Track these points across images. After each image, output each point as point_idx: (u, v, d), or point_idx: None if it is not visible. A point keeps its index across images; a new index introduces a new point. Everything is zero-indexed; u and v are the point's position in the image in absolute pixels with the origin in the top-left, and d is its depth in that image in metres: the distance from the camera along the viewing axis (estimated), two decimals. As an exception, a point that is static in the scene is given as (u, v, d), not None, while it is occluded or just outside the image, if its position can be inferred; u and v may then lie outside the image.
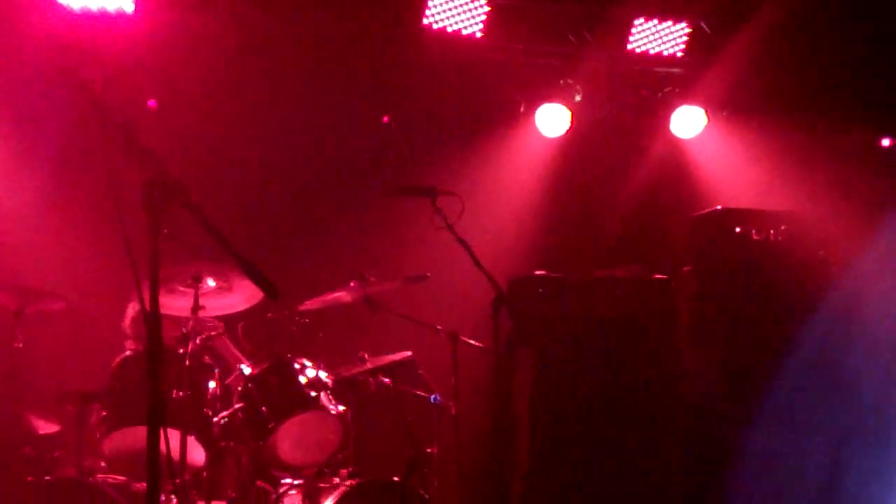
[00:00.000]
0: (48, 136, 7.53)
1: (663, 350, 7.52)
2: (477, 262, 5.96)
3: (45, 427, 6.31)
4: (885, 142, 7.15)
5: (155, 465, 3.66)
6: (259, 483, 6.32)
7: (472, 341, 6.68)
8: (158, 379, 3.69)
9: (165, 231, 3.74)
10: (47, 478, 5.99)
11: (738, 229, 7.55)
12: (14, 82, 7.38)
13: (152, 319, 3.66)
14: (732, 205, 7.78)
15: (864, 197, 6.67)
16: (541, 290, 7.47)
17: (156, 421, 3.67)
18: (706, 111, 8.57)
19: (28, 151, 7.52)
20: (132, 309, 6.65)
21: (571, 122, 8.44)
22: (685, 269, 7.73)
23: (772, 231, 7.58)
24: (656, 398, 7.47)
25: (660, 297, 7.59)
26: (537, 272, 7.58)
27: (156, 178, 3.73)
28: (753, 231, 7.53)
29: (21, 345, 6.30)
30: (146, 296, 3.70)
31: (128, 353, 6.30)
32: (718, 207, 7.78)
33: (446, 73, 8.05)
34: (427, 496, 6.23)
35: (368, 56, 7.87)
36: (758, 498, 7.11)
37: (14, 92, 7.40)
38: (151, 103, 7.70)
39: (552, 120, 8.44)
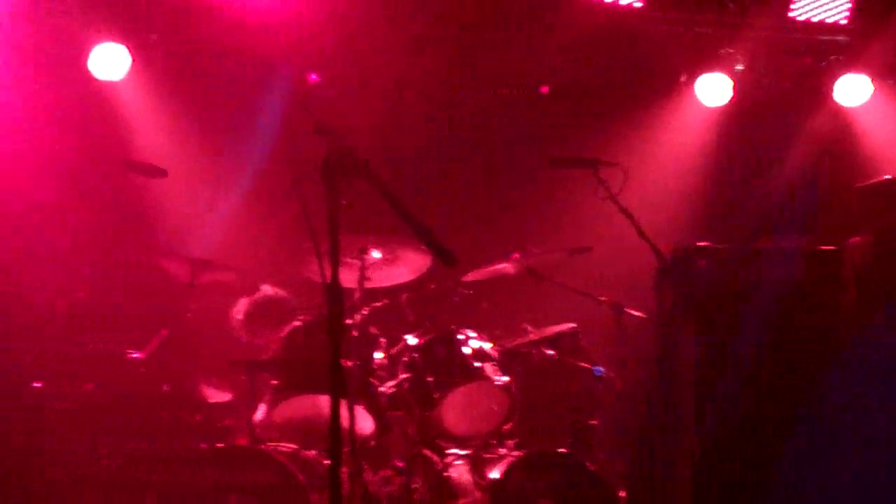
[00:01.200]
0: (221, 111, 7.71)
1: (831, 322, 7.33)
2: (641, 233, 5.93)
3: (217, 396, 6.46)
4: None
5: (337, 434, 3.72)
6: (425, 452, 6.37)
7: (635, 312, 6.63)
8: (339, 349, 3.75)
9: (345, 202, 3.79)
10: (219, 445, 6.14)
11: (908, 200, 7.32)
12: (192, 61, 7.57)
13: (333, 289, 3.72)
14: (896, 175, 7.56)
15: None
16: (704, 261, 7.35)
17: (337, 391, 3.74)
18: (872, 79, 8.33)
19: (202, 127, 7.71)
20: (244, 304, 6.71)
21: (733, 92, 8.29)
22: (852, 239, 7.52)
23: (947, 200, 7.34)
24: (824, 371, 7.29)
25: (828, 267, 7.40)
26: (700, 243, 7.46)
27: (336, 150, 3.79)
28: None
29: (193, 315, 6.45)
30: (326, 265, 3.76)
31: (297, 323, 6.40)
32: (887, 177, 7.56)
33: (607, 43, 7.96)
34: (593, 468, 6.20)
35: (528, 27, 7.83)
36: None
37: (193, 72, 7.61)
38: (313, 77, 7.79)
39: (713, 89, 8.30)
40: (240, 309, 6.72)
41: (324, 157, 3.87)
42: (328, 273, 3.78)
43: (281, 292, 6.53)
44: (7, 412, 6.38)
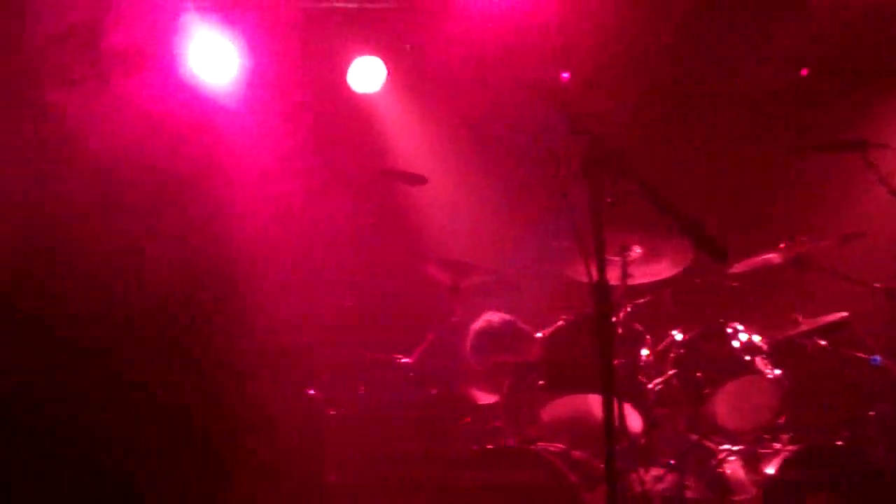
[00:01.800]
0: (473, 111, 7.81)
1: None
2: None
3: (485, 398, 6.52)
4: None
5: (611, 434, 3.70)
6: (697, 449, 6.27)
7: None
8: (610, 348, 3.73)
9: (609, 200, 3.76)
10: (490, 446, 6.19)
11: None
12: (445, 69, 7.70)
13: (601, 288, 3.70)
14: None
15: None
16: None
17: (609, 390, 3.71)
18: None
19: (455, 131, 7.83)
20: (480, 323, 6.63)
21: None
22: None
23: None
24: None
25: None
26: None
27: (596, 148, 3.77)
28: None
29: (457, 319, 6.53)
30: (592, 264, 3.74)
31: (561, 322, 6.40)
32: None
33: (869, 19, 7.66)
34: (872, 461, 5.98)
35: (785, 7, 7.62)
36: None
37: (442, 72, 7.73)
38: (565, 75, 7.78)
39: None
40: (472, 329, 6.72)
41: (585, 156, 3.86)
42: (594, 272, 3.76)
43: (506, 317, 6.49)
44: (284, 419, 6.60)
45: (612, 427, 3.69)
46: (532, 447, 6.08)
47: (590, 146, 3.87)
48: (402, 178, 7.00)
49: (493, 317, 6.53)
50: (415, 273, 6.87)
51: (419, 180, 6.74)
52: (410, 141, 7.86)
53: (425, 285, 6.83)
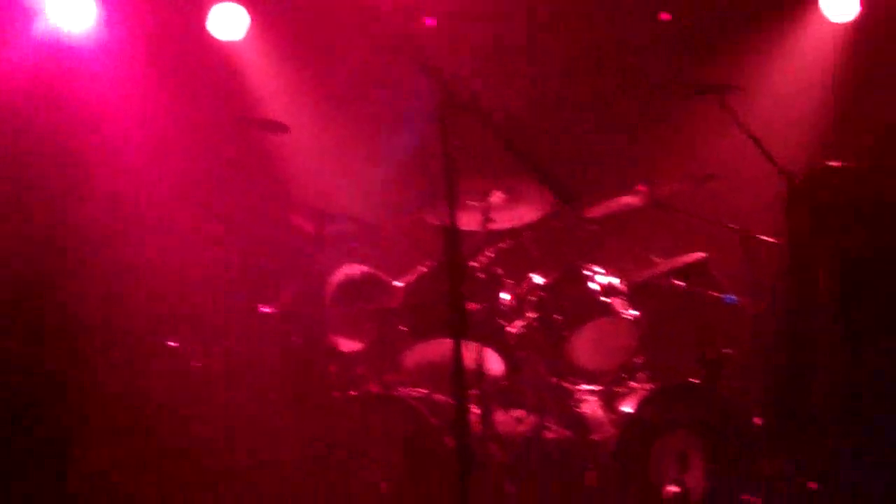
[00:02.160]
0: (338, 63, 7.76)
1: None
2: (768, 156, 5.82)
3: (348, 345, 6.52)
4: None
5: (461, 374, 3.73)
6: (557, 390, 6.36)
7: (766, 238, 6.50)
8: (460, 291, 3.74)
9: (459, 143, 3.77)
10: (353, 393, 6.20)
11: None
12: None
13: (451, 231, 3.71)
14: None
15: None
16: (837, 181, 7.17)
17: (459, 331, 3.74)
18: None
19: (320, 80, 7.77)
20: (339, 276, 6.61)
21: (861, 5, 8.01)
22: None
23: None
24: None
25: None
26: (832, 162, 7.27)
27: (445, 90, 3.76)
28: None
29: (321, 267, 6.50)
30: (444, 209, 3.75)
31: (422, 268, 6.42)
32: None
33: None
34: (727, 397, 6.13)
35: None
36: None
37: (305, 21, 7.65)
38: (429, 21, 7.75)
39: (840, 4, 8.03)
40: (333, 281, 6.70)
41: (437, 101, 3.85)
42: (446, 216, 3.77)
43: (364, 268, 6.49)
44: (145, 372, 6.54)
45: (461, 370, 3.71)
46: (394, 392, 6.10)
47: (442, 91, 3.86)
48: (263, 126, 6.93)
49: (351, 269, 6.53)
50: (277, 221, 6.81)
51: (281, 128, 6.68)
52: (273, 89, 7.78)
53: (288, 233, 6.78)
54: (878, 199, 7.09)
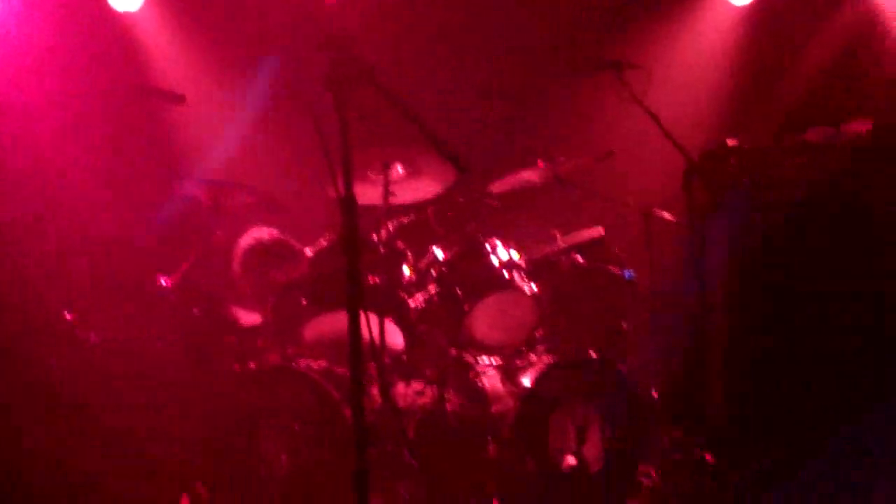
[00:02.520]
0: (234, 32, 7.69)
1: (867, 216, 7.25)
2: (667, 134, 5.89)
3: (247, 318, 6.49)
4: None
5: (357, 349, 3.73)
6: (457, 363, 6.40)
7: (665, 214, 6.59)
8: (356, 263, 3.74)
9: (354, 114, 3.76)
10: (252, 366, 6.18)
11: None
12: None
13: (347, 203, 3.70)
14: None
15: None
16: (734, 160, 7.28)
17: (355, 303, 3.74)
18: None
19: (215, 50, 7.70)
20: (247, 239, 6.59)
21: (759, -13, 8.15)
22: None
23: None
24: (861, 269, 7.23)
25: (857, 164, 7.32)
26: (729, 142, 7.38)
27: (342, 60, 3.75)
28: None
29: (219, 238, 6.44)
30: (340, 180, 3.74)
31: (323, 241, 6.40)
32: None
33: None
34: (625, 371, 6.22)
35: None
36: None
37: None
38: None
39: (740, -14, 8.17)
40: (240, 246, 6.67)
41: (333, 72, 3.84)
42: (342, 188, 3.76)
43: (274, 232, 6.46)
44: (40, 344, 6.44)
45: (357, 341, 3.72)
46: (294, 365, 6.08)
47: (339, 61, 3.84)
48: (161, 96, 6.83)
49: (261, 233, 6.50)
50: (175, 192, 6.74)
51: (178, 98, 6.59)
52: (170, 59, 7.69)
53: (186, 205, 6.72)
54: (774, 178, 7.24)
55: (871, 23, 8.29)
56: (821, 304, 7.09)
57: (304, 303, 6.26)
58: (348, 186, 3.73)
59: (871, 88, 7.90)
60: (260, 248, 6.42)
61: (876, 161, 7.22)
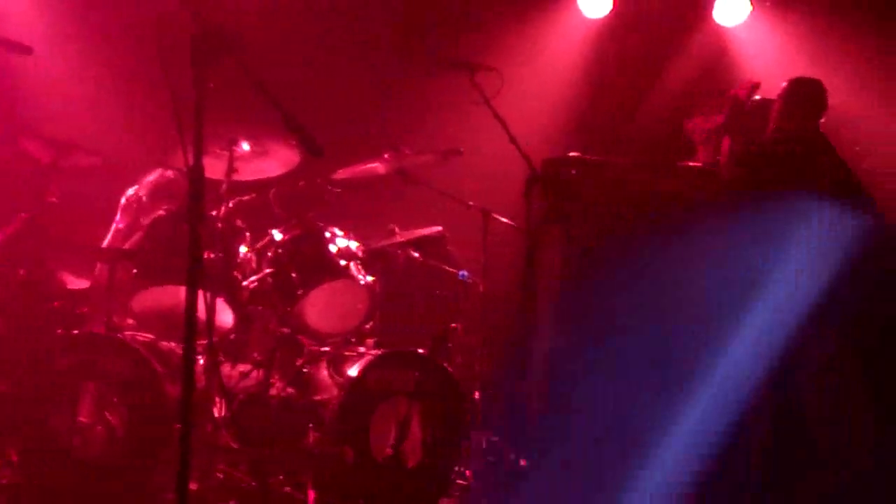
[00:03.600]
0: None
1: (696, 235, 7.46)
2: (513, 140, 5.95)
3: (75, 283, 6.34)
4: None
5: (192, 323, 3.67)
6: (285, 348, 6.36)
7: (503, 219, 6.67)
8: (199, 237, 3.68)
9: (212, 85, 3.70)
10: (75, 332, 6.02)
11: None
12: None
13: (196, 173, 3.64)
14: (773, 95, 7.67)
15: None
16: (575, 172, 7.41)
17: (195, 279, 3.68)
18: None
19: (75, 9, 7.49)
20: (154, 176, 6.56)
21: (614, 4, 8.30)
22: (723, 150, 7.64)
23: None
24: (688, 283, 7.42)
25: (695, 182, 7.53)
26: (572, 153, 7.51)
27: (207, 30, 3.69)
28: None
29: (55, 200, 6.27)
30: (189, 150, 3.68)
31: (160, 212, 6.28)
32: (758, 97, 7.67)
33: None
34: (450, 370, 6.26)
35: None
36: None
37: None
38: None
39: (594, 0, 8.30)
40: (145, 182, 6.56)
41: (192, 35, 3.76)
42: (189, 158, 3.70)
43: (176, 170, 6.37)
44: None
45: (193, 318, 3.65)
46: (119, 335, 5.96)
47: (198, 24, 3.77)
48: (6, 45, 6.60)
49: (165, 171, 6.48)
50: (9, 148, 6.53)
51: (25, 50, 6.37)
52: (20, 9, 7.45)
53: (21, 162, 6.51)
54: (613, 191, 7.39)
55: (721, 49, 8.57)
56: (647, 316, 7.28)
57: (135, 272, 6.12)
58: (198, 159, 3.66)
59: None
60: (167, 184, 6.37)
61: (709, 182, 7.44)
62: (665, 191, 7.39)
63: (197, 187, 3.63)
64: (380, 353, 6.15)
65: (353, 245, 6.44)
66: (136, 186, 6.61)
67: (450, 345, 6.59)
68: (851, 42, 7.99)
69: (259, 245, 6.39)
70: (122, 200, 6.61)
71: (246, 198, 6.51)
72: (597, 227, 7.33)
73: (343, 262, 6.33)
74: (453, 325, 6.65)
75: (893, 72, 7.57)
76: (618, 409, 7.15)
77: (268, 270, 6.26)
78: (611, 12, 8.35)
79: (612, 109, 8.50)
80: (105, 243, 6.54)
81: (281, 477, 5.98)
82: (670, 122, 8.41)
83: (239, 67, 3.72)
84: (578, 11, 8.34)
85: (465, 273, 6.67)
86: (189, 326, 3.64)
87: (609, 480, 6.82)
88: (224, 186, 6.21)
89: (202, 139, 3.64)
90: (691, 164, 7.48)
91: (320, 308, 6.31)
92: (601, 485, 6.76)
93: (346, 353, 6.28)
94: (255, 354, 6.31)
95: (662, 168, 7.53)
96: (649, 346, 7.21)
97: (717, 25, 8.52)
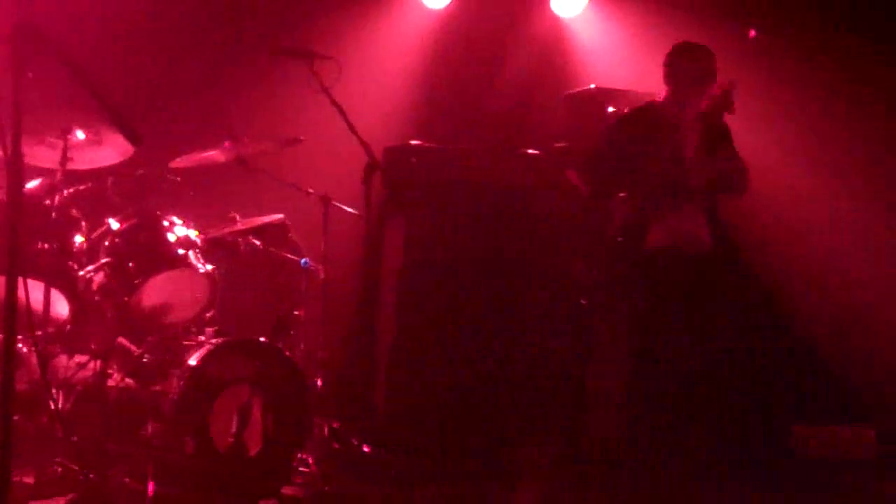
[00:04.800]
0: None
1: (534, 222, 7.61)
2: (351, 128, 5.99)
3: None
4: (752, 33, 7.21)
5: (12, 314, 3.63)
6: (123, 339, 6.30)
7: (344, 207, 6.70)
8: (18, 227, 3.65)
9: (30, 75, 3.66)
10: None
11: (610, 108, 7.62)
12: None
13: (13, 165, 3.60)
14: (607, 85, 7.85)
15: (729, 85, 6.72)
16: (414, 160, 7.48)
17: (15, 268, 3.64)
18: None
19: None
20: None
21: (454, -6, 8.39)
22: (557, 144, 7.81)
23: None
24: (526, 271, 7.58)
25: (532, 171, 7.68)
26: (412, 142, 7.58)
27: (25, 22, 3.65)
28: (625, 110, 7.61)
29: None
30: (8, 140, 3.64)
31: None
32: (592, 86, 7.85)
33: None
34: (292, 357, 6.28)
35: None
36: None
37: None
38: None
39: (435, -11, 8.39)
40: None
41: (11, 28, 3.72)
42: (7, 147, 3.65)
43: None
44: None
45: (13, 309, 3.61)
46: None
47: (20, 21, 3.73)
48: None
49: None
50: None
51: None
52: None
53: None
54: (452, 180, 7.50)
55: (558, 40, 8.71)
56: (486, 304, 7.42)
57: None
58: (16, 146, 3.61)
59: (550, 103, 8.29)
60: None
61: (550, 172, 7.60)
62: (502, 177, 7.53)
63: (15, 177, 3.59)
64: (220, 341, 6.12)
65: (193, 234, 6.40)
66: None
67: (292, 332, 6.61)
68: (689, 33, 8.16)
69: (96, 235, 6.31)
70: None
71: (82, 187, 6.42)
72: (436, 213, 7.43)
73: (182, 251, 6.30)
74: (295, 312, 6.67)
75: (730, 63, 7.76)
76: (460, 390, 7.30)
77: (105, 260, 6.19)
78: (451, 2, 8.42)
79: (454, 98, 8.58)
80: None
81: (120, 469, 5.91)
82: (511, 111, 8.59)
83: (60, 59, 3.67)
84: (419, 1, 8.40)
85: (307, 260, 6.68)
86: (9, 317, 3.60)
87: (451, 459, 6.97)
88: (59, 175, 6.13)
89: (19, 128, 3.59)
90: (529, 151, 7.65)
91: (159, 297, 6.26)
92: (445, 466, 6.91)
93: (186, 343, 6.24)
94: (93, 345, 6.22)
95: (500, 155, 7.66)
96: (488, 328, 7.38)
97: (556, 16, 8.66)
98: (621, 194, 6.46)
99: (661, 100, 6.58)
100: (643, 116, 6.58)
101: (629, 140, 6.47)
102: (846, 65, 8.03)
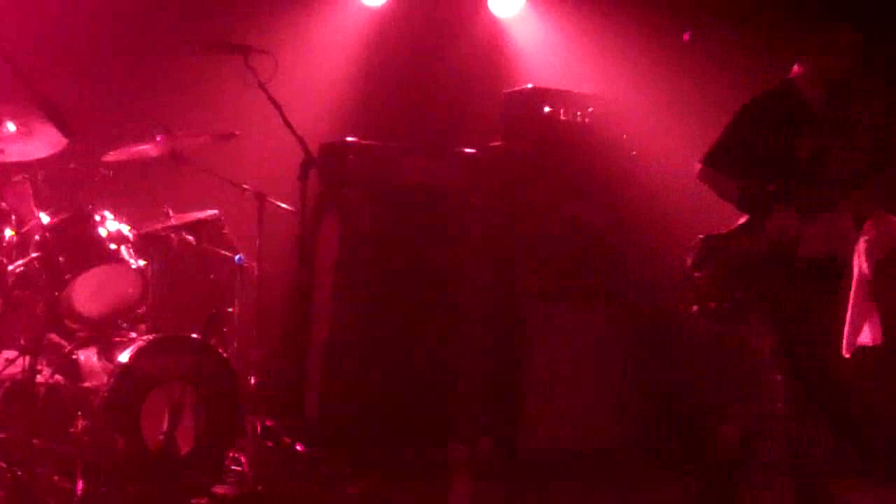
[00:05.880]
0: None
1: (470, 222, 7.63)
2: (287, 124, 5.96)
3: None
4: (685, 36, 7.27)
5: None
6: (53, 334, 6.21)
7: (279, 203, 6.66)
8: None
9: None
10: None
11: (546, 108, 7.66)
12: None
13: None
14: (544, 85, 7.87)
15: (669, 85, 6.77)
16: (351, 157, 7.47)
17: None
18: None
19: None
20: None
21: (390, -9, 8.37)
22: (493, 144, 7.84)
23: (579, 112, 7.72)
24: (461, 270, 7.60)
25: (468, 169, 7.70)
26: (348, 138, 7.56)
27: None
28: (561, 111, 7.65)
29: None
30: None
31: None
32: (529, 86, 7.87)
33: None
34: (225, 355, 6.23)
35: None
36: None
37: None
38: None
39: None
40: None
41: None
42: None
43: None
44: None
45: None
46: None
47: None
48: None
49: None
50: None
51: None
52: None
53: None
54: (388, 177, 7.50)
55: (496, 40, 8.73)
56: (420, 301, 7.44)
57: None
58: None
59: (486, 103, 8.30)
60: None
61: (485, 172, 7.62)
62: (438, 176, 7.54)
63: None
64: (152, 338, 6.07)
65: (125, 228, 6.34)
66: None
67: (225, 329, 6.56)
68: (625, 35, 8.22)
69: (26, 228, 6.22)
70: None
71: (14, 179, 6.33)
72: (372, 210, 7.43)
73: (113, 246, 6.23)
74: (229, 309, 6.63)
75: (667, 65, 7.81)
76: (393, 388, 7.32)
77: (34, 254, 6.10)
78: (389, 0, 8.41)
79: (390, 96, 8.56)
80: None
81: (49, 467, 5.83)
82: (448, 110, 8.60)
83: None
84: (356, -1, 8.39)
85: (241, 257, 6.63)
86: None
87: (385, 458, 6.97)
88: (-11, 168, 6.03)
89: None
90: (465, 150, 7.67)
91: (90, 293, 6.18)
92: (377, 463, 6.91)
93: (117, 339, 6.17)
94: (22, 341, 6.13)
95: (436, 154, 7.67)
96: (422, 325, 7.41)
97: (493, 16, 8.68)
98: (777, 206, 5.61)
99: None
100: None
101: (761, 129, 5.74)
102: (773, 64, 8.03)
